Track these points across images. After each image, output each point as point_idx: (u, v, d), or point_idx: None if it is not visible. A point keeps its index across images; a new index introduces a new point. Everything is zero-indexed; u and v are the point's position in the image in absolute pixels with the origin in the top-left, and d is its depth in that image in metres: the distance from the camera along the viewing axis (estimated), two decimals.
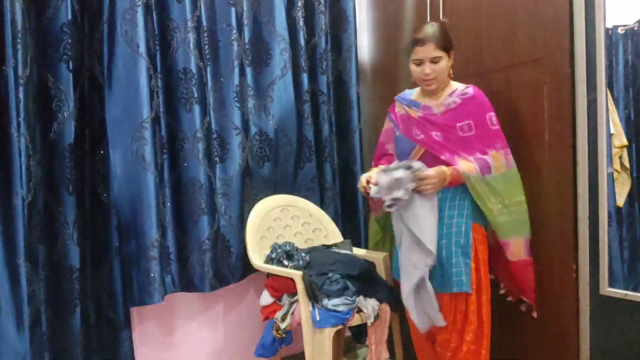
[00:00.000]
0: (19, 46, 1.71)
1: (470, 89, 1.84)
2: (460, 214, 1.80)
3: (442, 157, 1.78)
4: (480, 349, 1.78)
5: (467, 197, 1.81)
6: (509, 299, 1.98)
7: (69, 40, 1.88)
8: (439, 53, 1.75)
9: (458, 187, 1.80)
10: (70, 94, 1.89)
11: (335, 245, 2.34)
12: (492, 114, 1.81)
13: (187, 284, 2.18)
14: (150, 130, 1.98)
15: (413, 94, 1.98)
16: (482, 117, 1.79)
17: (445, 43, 1.77)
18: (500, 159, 1.78)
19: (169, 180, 2.15)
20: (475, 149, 1.78)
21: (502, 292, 1.98)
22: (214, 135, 2.25)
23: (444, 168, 1.75)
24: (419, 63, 1.78)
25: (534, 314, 1.89)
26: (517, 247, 1.83)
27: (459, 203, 1.81)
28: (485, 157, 1.77)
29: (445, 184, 1.74)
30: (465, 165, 1.75)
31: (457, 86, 1.88)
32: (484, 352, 1.79)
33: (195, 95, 2.13)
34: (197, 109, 2.13)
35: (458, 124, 1.79)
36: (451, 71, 1.86)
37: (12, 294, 1.69)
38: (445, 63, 1.78)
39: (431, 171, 1.71)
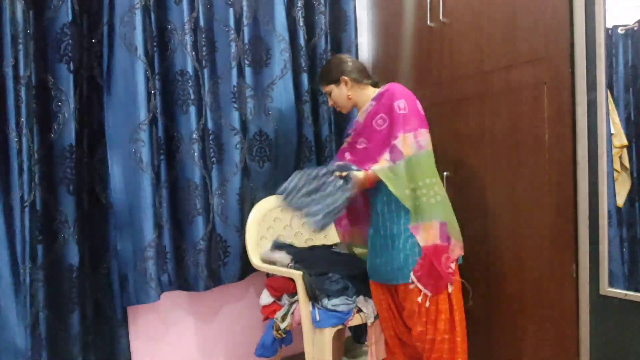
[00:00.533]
0: (20, 46, 1.72)
1: (383, 89, 1.91)
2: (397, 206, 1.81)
3: (367, 167, 1.83)
4: (455, 337, 1.79)
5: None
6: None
7: (69, 41, 1.88)
8: (327, 88, 2.02)
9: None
10: (70, 95, 1.89)
11: (336, 245, 2.33)
12: (402, 100, 1.82)
13: (182, 283, 2.19)
14: (148, 131, 1.99)
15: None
16: (390, 105, 1.83)
17: (329, 78, 2.00)
18: (408, 140, 1.79)
19: (165, 180, 2.16)
20: (389, 138, 1.82)
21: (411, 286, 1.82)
22: (211, 137, 2.25)
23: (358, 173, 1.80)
24: None
25: (426, 301, 1.76)
26: (426, 231, 1.78)
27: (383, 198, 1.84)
28: (395, 142, 1.79)
29: (364, 185, 1.81)
30: (380, 164, 1.80)
31: (376, 91, 1.94)
32: (459, 340, 1.79)
33: (192, 96, 2.13)
34: (193, 110, 2.14)
35: (373, 121, 1.87)
36: (349, 94, 1.96)
37: (14, 293, 1.70)
38: (336, 92, 1.99)
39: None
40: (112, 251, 2.01)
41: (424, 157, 1.80)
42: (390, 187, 1.75)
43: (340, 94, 1.98)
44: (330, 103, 2.05)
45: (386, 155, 1.80)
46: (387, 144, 1.81)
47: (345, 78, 1.95)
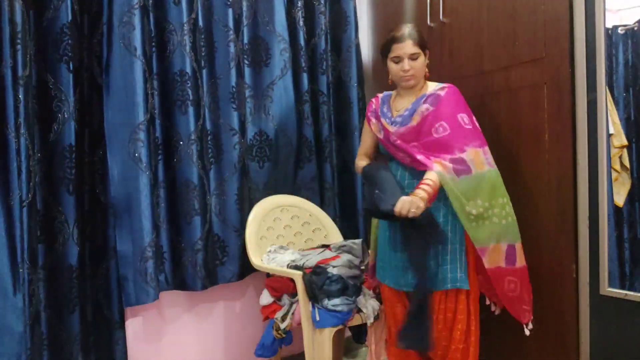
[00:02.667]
0: (19, 46, 1.72)
1: (443, 92, 1.81)
2: (453, 211, 1.74)
3: (418, 157, 1.75)
4: (469, 347, 1.77)
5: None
6: (493, 310, 1.93)
7: (69, 41, 1.88)
8: (417, 50, 1.79)
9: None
10: (70, 95, 1.90)
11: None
12: (464, 114, 1.77)
13: (180, 283, 2.19)
14: (147, 132, 1.99)
15: (391, 98, 1.96)
16: (453, 115, 1.76)
17: (422, 41, 1.82)
18: (480, 156, 1.73)
19: (163, 180, 2.16)
20: (453, 148, 1.73)
21: (487, 303, 1.94)
22: (209, 137, 2.25)
23: (419, 193, 1.66)
24: (398, 60, 1.81)
25: (526, 331, 1.80)
26: (495, 253, 1.73)
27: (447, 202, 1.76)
28: (462, 155, 1.71)
29: (427, 203, 1.67)
30: (440, 166, 1.70)
31: (431, 87, 1.85)
32: (472, 350, 1.77)
33: (191, 97, 2.13)
34: (192, 110, 2.14)
35: (432, 128, 1.76)
36: (427, 71, 1.86)
37: (13, 292, 1.70)
38: (422, 60, 1.82)
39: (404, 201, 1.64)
40: (112, 251, 2.01)
41: (496, 175, 1.75)
42: (451, 196, 1.67)
43: (424, 63, 1.83)
44: (406, 67, 1.79)
45: (447, 164, 1.69)
46: (447, 150, 1.72)
47: (428, 53, 1.85)
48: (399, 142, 1.82)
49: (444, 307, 1.78)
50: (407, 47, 1.79)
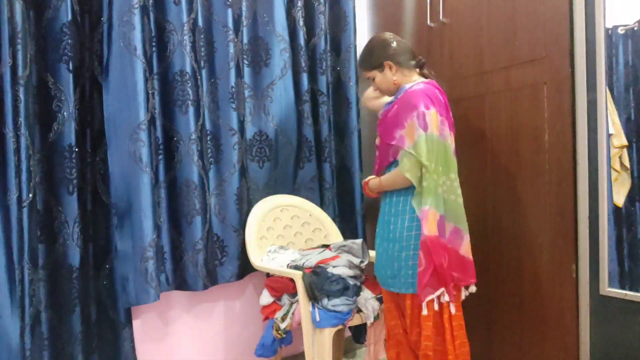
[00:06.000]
0: (19, 46, 1.72)
1: (407, 86, 1.79)
2: (411, 218, 1.72)
3: (392, 143, 1.76)
4: (446, 346, 1.69)
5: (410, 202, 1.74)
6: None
7: (69, 41, 1.88)
8: (369, 74, 1.90)
9: (400, 193, 1.76)
10: (70, 95, 1.89)
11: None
12: (414, 113, 1.68)
13: (181, 283, 2.18)
14: (147, 131, 1.99)
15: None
16: (400, 101, 1.76)
17: (371, 62, 1.87)
18: (413, 128, 1.68)
19: (164, 180, 2.16)
20: (394, 128, 1.75)
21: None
22: (209, 137, 2.25)
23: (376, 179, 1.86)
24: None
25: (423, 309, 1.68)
26: (432, 219, 1.66)
27: (403, 208, 1.76)
28: (401, 131, 1.71)
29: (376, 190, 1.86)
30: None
31: (408, 86, 1.80)
32: (451, 349, 1.70)
33: (191, 97, 2.13)
34: (192, 110, 2.14)
35: (389, 116, 1.80)
36: (395, 79, 1.83)
37: (10, 292, 1.69)
38: (379, 78, 1.87)
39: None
40: (115, 251, 2.00)
41: (438, 141, 1.70)
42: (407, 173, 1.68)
43: (382, 79, 1.86)
44: (373, 89, 1.97)
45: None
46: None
47: (390, 62, 1.83)
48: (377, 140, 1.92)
49: (410, 309, 1.73)
50: (364, 73, 1.94)
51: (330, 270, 1.99)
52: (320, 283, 1.94)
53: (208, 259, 2.21)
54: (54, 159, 1.89)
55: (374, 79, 1.89)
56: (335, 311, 1.94)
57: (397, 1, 2.53)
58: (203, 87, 2.22)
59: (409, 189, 1.73)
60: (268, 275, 2.24)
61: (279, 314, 2.08)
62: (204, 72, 2.24)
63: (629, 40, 1.73)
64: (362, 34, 2.76)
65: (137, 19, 1.95)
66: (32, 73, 1.82)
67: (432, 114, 1.69)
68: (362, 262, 2.09)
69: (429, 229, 1.66)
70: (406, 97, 1.75)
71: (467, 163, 2.15)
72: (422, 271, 1.66)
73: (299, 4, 2.47)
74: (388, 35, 1.90)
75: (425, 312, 1.67)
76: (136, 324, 2.15)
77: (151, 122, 2.04)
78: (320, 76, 2.57)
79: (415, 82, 1.81)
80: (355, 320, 2.01)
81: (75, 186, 1.91)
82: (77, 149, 1.91)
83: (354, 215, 2.64)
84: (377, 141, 1.93)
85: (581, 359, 1.80)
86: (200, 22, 2.21)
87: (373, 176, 1.89)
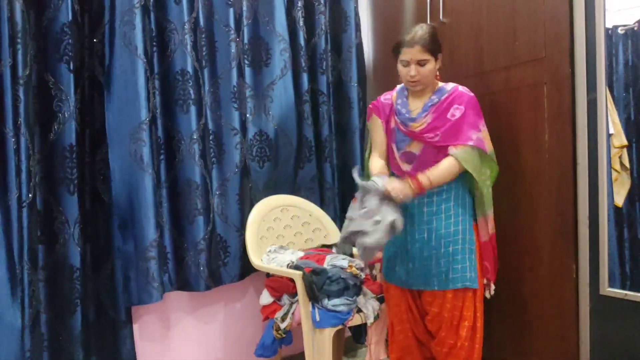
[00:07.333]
0: (19, 46, 1.72)
1: (449, 86, 1.82)
2: (463, 212, 1.80)
3: (469, 143, 1.74)
4: (475, 344, 1.79)
5: (467, 196, 1.82)
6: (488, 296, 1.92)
7: (70, 41, 1.88)
8: (426, 56, 1.73)
9: (455, 186, 1.80)
10: (70, 94, 1.89)
11: (335, 244, 2.31)
12: (483, 120, 1.80)
13: (183, 284, 2.18)
14: (148, 131, 1.99)
15: (408, 93, 1.90)
16: (467, 103, 1.77)
17: (433, 47, 1.75)
18: (488, 136, 1.80)
19: (165, 180, 2.15)
20: (469, 128, 1.75)
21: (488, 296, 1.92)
22: (211, 136, 2.25)
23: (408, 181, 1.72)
24: (406, 64, 1.77)
25: (489, 293, 1.88)
26: (492, 221, 1.85)
27: (461, 202, 1.81)
28: (479, 133, 1.75)
29: (412, 194, 1.70)
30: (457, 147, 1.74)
31: (442, 86, 1.83)
32: (477, 347, 1.79)
33: (192, 96, 2.13)
34: (193, 110, 2.14)
35: (447, 114, 1.76)
36: (438, 74, 1.83)
37: (11, 292, 1.69)
38: (431, 66, 1.76)
39: (395, 183, 1.69)
40: (115, 251, 2.00)
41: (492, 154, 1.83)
42: (473, 169, 1.75)
43: (433, 69, 1.77)
44: (412, 73, 1.75)
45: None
46: (463, 132, 1.76)
47: (441, 56, 1.80)
48: (423, 135, 1.80)
49: (451, 306, 1.78)
50: (415, 52, 1.73)
51: (330, 270, 1.99)
52: (320, 283, 1.94)
53: (211, 260, 2.21)
54: (55, 158, 1.89)
55: (422, 64, 1.74)
56: (335, 311, 1.94)
57: (397, 1, 2.53)
58: (205, 87, 2.22)
59: (450, 190, 1.80)
60: (268, 275, 2.24)
61: (279, 314, 2.08)
62: (205, 71, 2.24)
63: (629, 40, 1.73)
64: (363, 34, 2.76)
65: (138, 19, 1.95)
66: (33, 73, 1.82)
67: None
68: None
69: (493, 227, 1.85)
70: (469, 99, 1.78)
71: None
72: (493, 264, 1.86)
73: (299, 4, 2.47)
74: None
75: (488, 295, 1.87)
76: (137, 323, 2.16)
77: (152, 121, 2.04)
78: (320, 76, 2.56)
79: (448, 83, 1.84)
80: (355, 320, 2.01)
81: (75, 186, 1.91)
82: (77, 149, 1.91)
83: None
84: (412, 148, 1.84)
85: (581, 359, 1.80)
86: (201, 22, 2.21)
87: (394, 179, 1.75)
